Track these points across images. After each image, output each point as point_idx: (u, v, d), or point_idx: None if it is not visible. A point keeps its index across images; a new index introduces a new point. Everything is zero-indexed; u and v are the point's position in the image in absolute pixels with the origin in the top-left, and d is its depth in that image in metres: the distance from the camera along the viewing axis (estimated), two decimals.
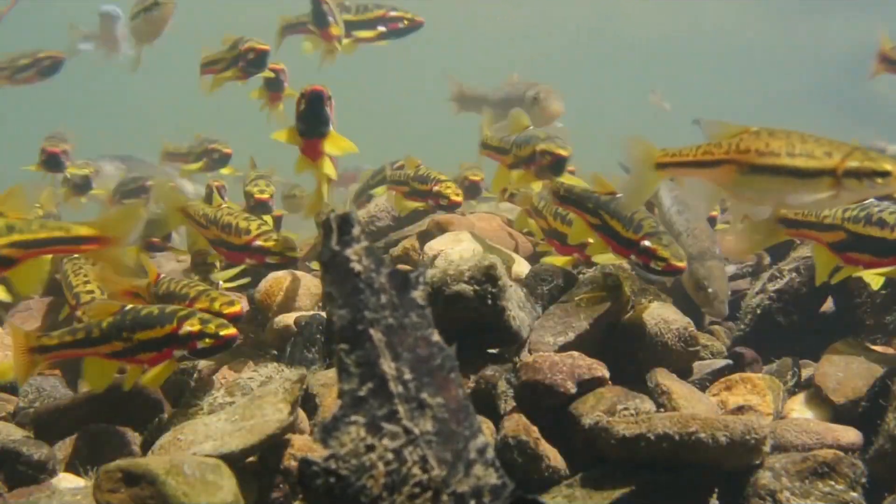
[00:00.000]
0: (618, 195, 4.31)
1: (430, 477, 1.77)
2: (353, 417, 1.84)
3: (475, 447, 1.85)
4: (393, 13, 6.61)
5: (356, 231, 1.99)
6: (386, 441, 1.80)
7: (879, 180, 3.20)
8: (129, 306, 3.98)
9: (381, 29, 6.57)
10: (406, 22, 6.63)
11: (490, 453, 1.89)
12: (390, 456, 1.79)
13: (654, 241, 3.97)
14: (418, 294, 2.01)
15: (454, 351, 2.02)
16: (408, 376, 1.86)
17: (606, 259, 4.36)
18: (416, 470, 1.78)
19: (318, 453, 1.88)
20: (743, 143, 3.39)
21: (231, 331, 3.77)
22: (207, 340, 3.72)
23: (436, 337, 1.99)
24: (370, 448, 1.80)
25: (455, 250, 5.10)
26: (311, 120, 4.44)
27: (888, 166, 3.19)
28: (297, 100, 4.55)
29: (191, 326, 3.74)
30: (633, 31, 32.54)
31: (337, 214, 1.99)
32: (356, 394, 1.86)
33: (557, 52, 34.40)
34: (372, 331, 1.87)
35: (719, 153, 3.46)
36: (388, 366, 1.85)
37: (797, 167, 3.25)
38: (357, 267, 1.94)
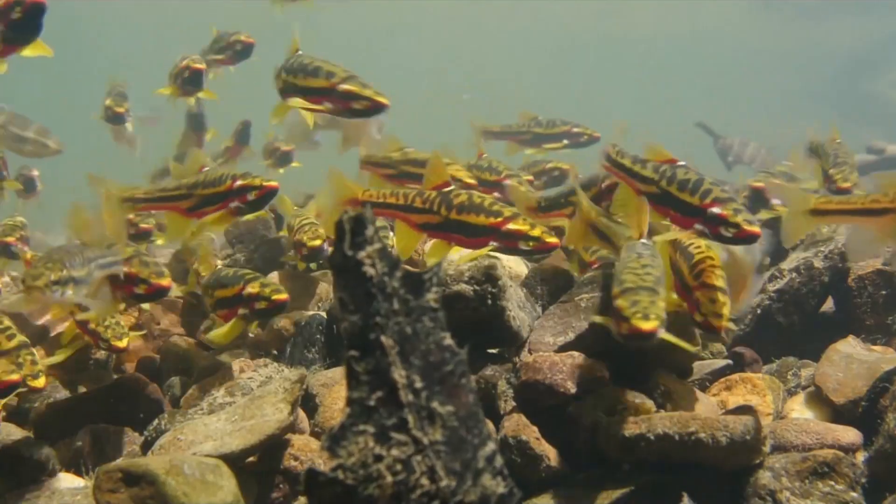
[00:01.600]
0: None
1: (438, 487, 1.75)
2: (362, 427, 1.80)
3: (484, 455, 1.83)
4: (576, 129, 7.38)
5: (370, 232, 1.92)
6: (394, 451, 1.78)
7: None
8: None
9: (566, 142, 7.35)
10: (586, 137, 7.36)
11: (498, 461, 1.87)
12: (398, 466, 1.77)
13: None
14: (431, 297, 1.95)
15: (466, 353, 1.99)
16: (419, 385, 1.83)
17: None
18: (424, 480, 1.76)
19: (320, 457, 1.87)
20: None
21: (283, 296, 4.28)
22: (263, 303, 4.22)
23: (448, 341, 1.95)
24: (378, 458, 1.78)
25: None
26: (29, 30, 4.22)
27: None
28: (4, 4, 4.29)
29: (252, 289, 4.26)
30: (633, 31, 32.51)
31: (350, 216, 1.91)
32: (365, 403, 1.82)
33: (557, 52, 34.37)
34: (383, 338, 1.84)
35: (885, 202, 3.60)
36: (398, 374, 1.82)
37: None
38: (370, 271, 1.89)
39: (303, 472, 2.45)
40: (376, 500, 1.75)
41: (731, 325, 3.68)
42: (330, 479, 1.78)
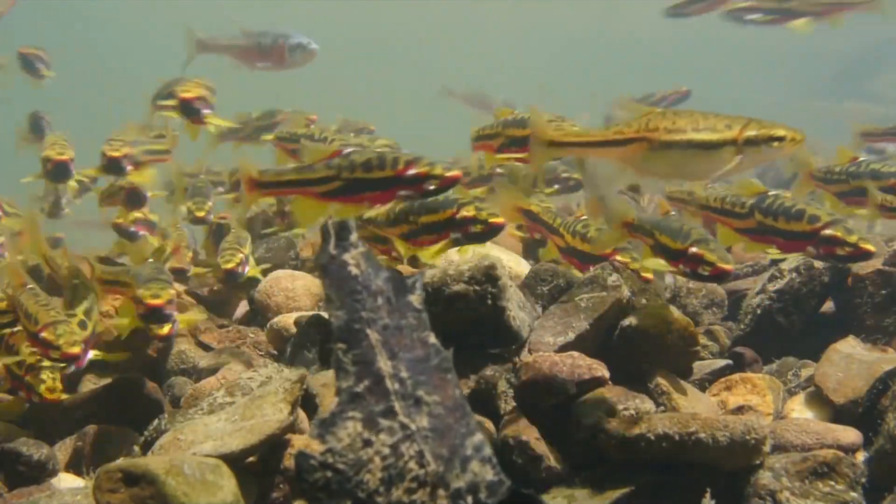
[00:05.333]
0: (671, 213, 4.32)
1: (426, 472, 1.78)
2: (351, 413, 1.85)
3: (472, 444, 1.86)
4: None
5: (353, 237, 2.02)
6: (383, 436, 1.81)
7: (775, 144, 3.45)
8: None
9: None
10: None
11: (487, 450, 1.90)
12: (387, 451, 1.80)
13: (701, 247, 3.87)
14: (415, 297, 2.03)
15: (451, 353, 2.03)
16: (404, 374, 1.87)
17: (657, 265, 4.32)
18: (412, 465, 1.79)
19: (315, 448, 1.90)
20: (651, 123, 3.58)
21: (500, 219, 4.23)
22: (479, 226, 4.15)
23: (432, 339, 2.00)
24: (367, 443, 1.81)
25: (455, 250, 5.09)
26: None
27: (782, 132, 3.45)
28: None
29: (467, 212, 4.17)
30: (633, 31, 32.52)
31: (334, 221, 2.02)
32: (353, 390, 1.88)
33: (556, 52, 34.39)
34: (369, 330, 1.89)
35: (629, 132, 3.65)
36: (384, 363, 1.86)
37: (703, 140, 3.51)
38: (354, 271, 1.97)
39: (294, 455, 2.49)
40: (367, 485, 1.77)
41: None
42: (321, 463, 1.81)
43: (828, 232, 3.90)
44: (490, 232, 4.18)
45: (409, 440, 1.81)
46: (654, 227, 4.19)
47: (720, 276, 3.89)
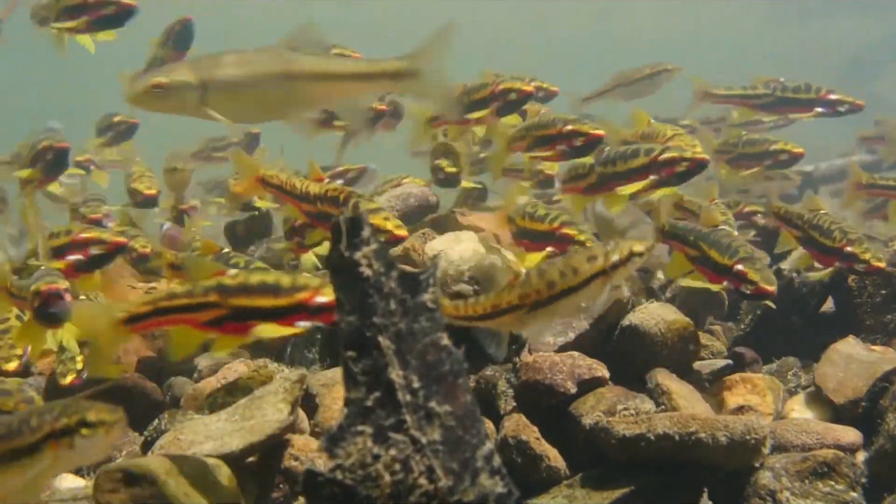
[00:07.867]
0: (720, 227, 4.26)
1: (436, 487, 1.76)
2: (360, 427, 1.82)
3: (482, 455, 1.84)
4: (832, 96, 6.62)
5: (366, 233, 1.94)
6: (393, 451, 1.79)
7: None
8: None
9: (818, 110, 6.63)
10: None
11: (496, 461, 1.88)
12: (397, 466, 1.78)
13: (747, 265, 3.89)
14: (428, 297, 1.97)
15: (463, 353, 1.99)
16: (416, 385, 1.84)
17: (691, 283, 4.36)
18: (422, 480, 1.76)
19: (320, 459, 1.87)
20: None
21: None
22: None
23: (445, 340, 1.96)
24: (376, 458, 1.78)
25: (455, 250, 5.08)
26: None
27: None
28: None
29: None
30: (635, 31, 32.55)
31: (346, 217, 1.94)
32: (363, 403, 1.84)
33: (557, 51, 34.40)
34: (380, 338, 1.85)
35: None
36: (396, 374, 1.83)
37: None
38: (366, 272, 1.91)
39: (301, 472, 2.44)
40: (375, 500, 1.75)
41: None
42: (328, 480, 1.78)
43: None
44: None
45: (420, 454, 1.78)
46: (700, 238, 4.17)
47: (761, 296, 3.93)
